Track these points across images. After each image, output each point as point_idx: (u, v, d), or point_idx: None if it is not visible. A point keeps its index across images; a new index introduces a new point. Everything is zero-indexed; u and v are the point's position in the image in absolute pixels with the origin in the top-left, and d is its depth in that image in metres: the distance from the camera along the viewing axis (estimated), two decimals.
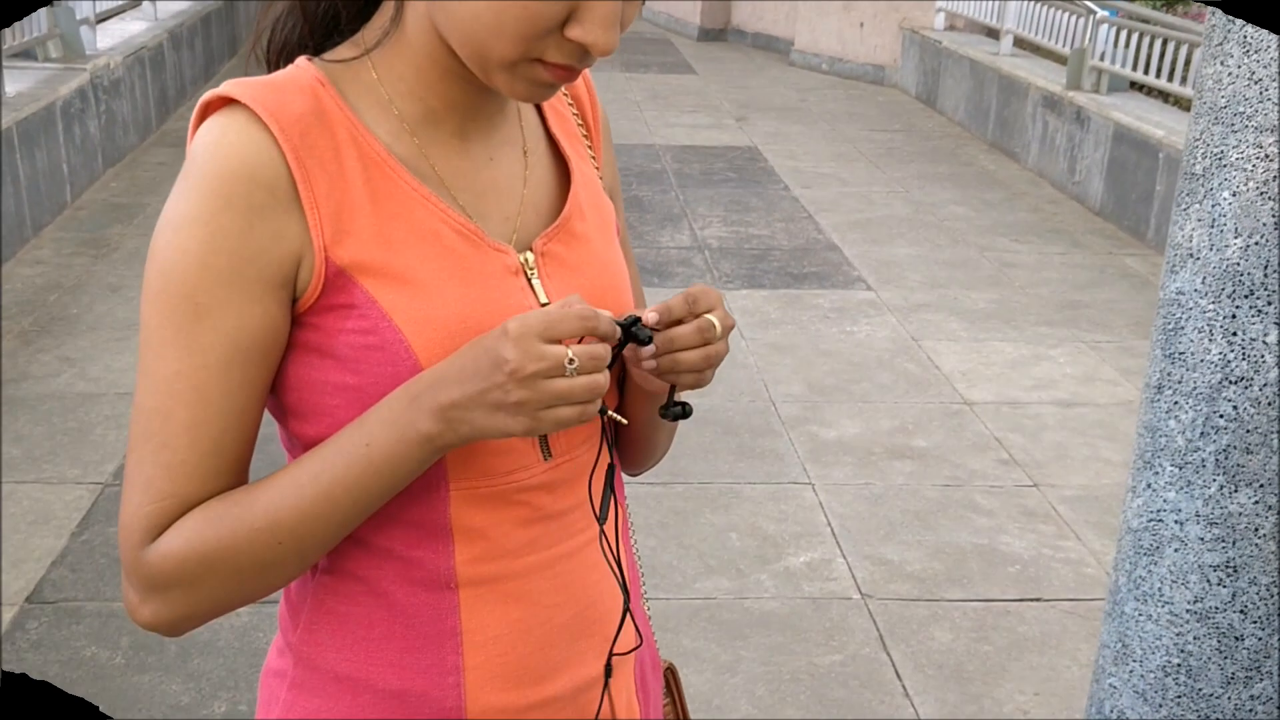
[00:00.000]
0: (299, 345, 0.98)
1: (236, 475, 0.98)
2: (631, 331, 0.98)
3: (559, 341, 0.90)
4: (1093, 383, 4.85)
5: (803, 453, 4.16)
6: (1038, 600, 3.37)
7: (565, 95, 1.16)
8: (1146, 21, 7.50)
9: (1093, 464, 4.17)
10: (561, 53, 0.92)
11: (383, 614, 1.03)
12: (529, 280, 1.03)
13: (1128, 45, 7.46)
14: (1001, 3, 9.41)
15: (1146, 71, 7.24)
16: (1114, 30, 7.65)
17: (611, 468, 1.08)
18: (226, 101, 0.96)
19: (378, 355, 0.95)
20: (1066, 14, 8.37)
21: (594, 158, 1.16)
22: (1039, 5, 8.90)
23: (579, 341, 0.91)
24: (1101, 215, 7.17)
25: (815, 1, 12.05)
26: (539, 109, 1.13)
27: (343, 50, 1.02)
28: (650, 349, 1.00)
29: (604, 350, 0.91)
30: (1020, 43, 9.38)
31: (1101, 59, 7.70)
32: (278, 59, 1.05)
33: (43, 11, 6.82)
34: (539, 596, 1.05)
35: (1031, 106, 8.28)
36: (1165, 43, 7.04)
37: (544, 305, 1.03)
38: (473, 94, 1.02)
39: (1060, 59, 8.53)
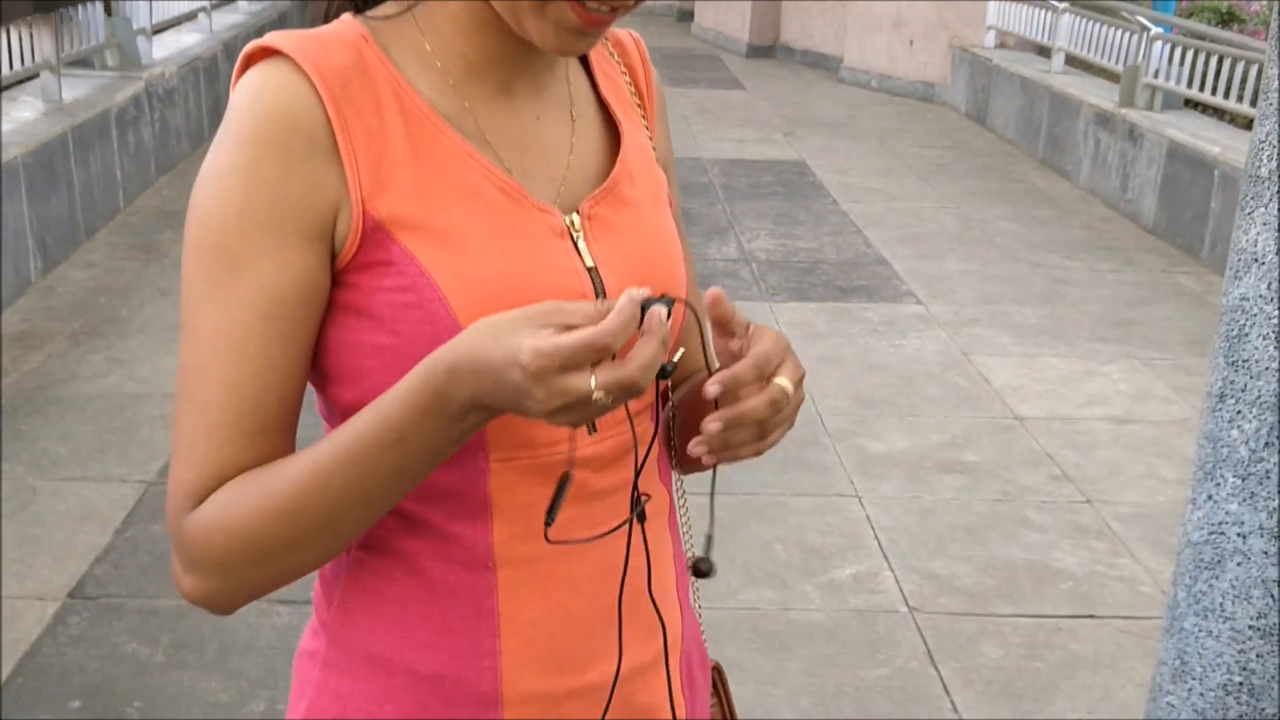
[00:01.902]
0: (337, 306, 0.95)
1: (277, 440, 0.94)
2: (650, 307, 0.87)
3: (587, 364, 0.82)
4: (1146, 400, 4.76)
5: (849, 465, 4.11)
6: (1091, 617, 3.30)
7: (619, 62, 1.13)
8: (1202, 38, 7.41)
9: (1147, 481, 4.09)
10: None
11: (419, 593, 1.00)
12: (574, 243, 1.00)
13: (1182, 62, 7.36)
14: (1053, 20, 9.34)
15: (1201, 89, 7.14)
16: (1168, 47, 7.56)
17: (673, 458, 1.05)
18: (269, 53, 0.94)
19: (415, 313, 0.92)
20: (1119, 31, 8.28)
21: (647, 126, 1.13)
22: (1091, 22, 8.81)
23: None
24: (1154, 233, 7.07)
25: (864, 19, 12.01)
26: (589, 73, 1.11)
27: (386, 7, 1.01)
28: (714, 423, 0.91)
29: (635, 379, 0.82)
30: (1072, 60, 9.30)
31: (1155, 76, 7.61)
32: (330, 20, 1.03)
33: (100, 21, 6.90)
34: (579, 580, 1.02)
35: (1083, 124, 8.19)
36: (1221, 60, 6.94)
37: (590, 269, 0.99)
38: (512, 48, 0.99)
39: (1113, 76, 8.44)
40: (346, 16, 1.00)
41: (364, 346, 0.94)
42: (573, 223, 1.00)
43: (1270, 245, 1.87)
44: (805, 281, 6.06)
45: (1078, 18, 9.05)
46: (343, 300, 0.95)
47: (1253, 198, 1.88)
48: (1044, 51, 9.79)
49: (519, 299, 0.93)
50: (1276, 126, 1.84)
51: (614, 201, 1.04)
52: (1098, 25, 8.70)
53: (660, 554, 1.09)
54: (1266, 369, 1.87)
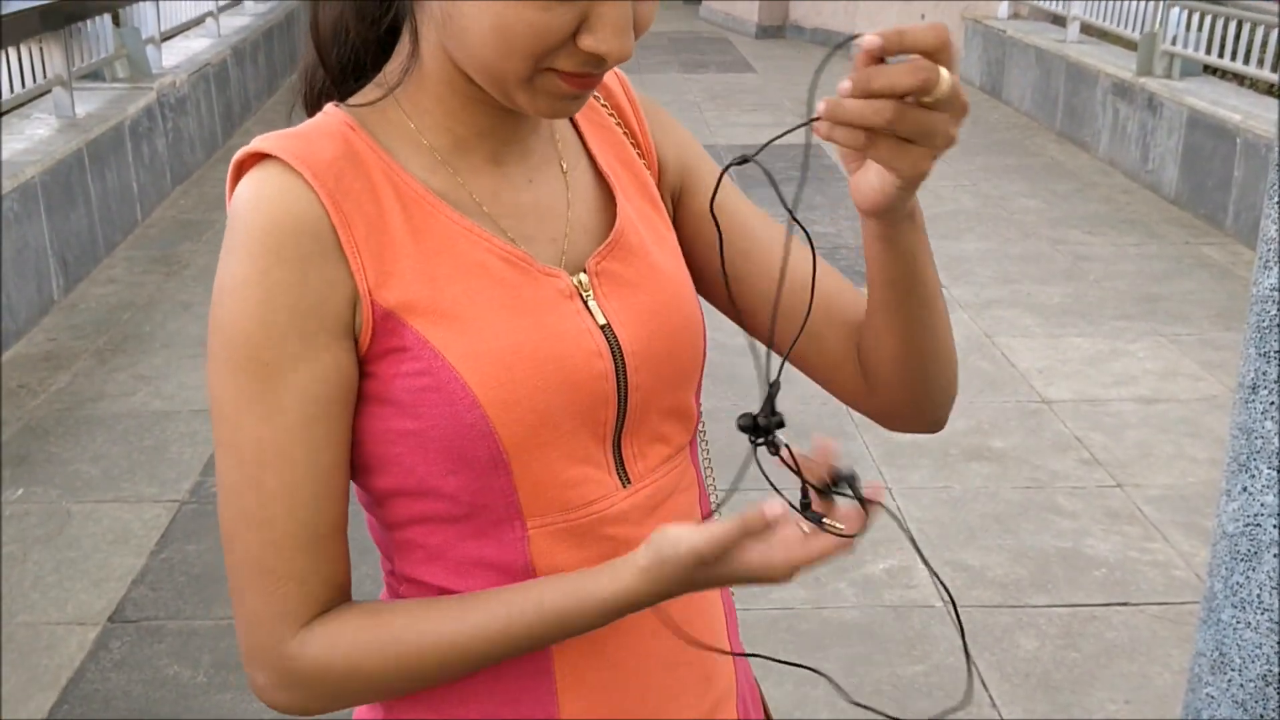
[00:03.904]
0: (361, 396, 0.96)
1: (336, 540, 0.96)
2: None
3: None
4: (1174, 378, 4.73)
5: (877, 455, 4.10)
6: (1125, 605, 3.29)
7: (605, 105, 1.12)
8: (1220, 3, 7.33)
9: (1178, 462, 4.07)
10: (575, 61, 0.89)
11: None
12: (584, 302, 1.00)
13: (1200, 28, 7.30)
14: None
15: (1220, 55, 7.07)
16: (1185, 13, 7.48)
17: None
18: (259, 158, 0.94)
19: (434, 396, 0.93)
20: None
21: (644, 160, 1.12)
22: None
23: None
24: (1177, 204, 7.01)
25: None
26: (575, 126, 1.10)
27: (368, 93, 1.00)
28: None
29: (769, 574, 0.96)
30: (1087, 29, 9.22)
31: (1173, 43, 7.54)
32: (315, 107, 1.03)
33: (109, 32, 6.91)
34: (633, 634, 1.02)
35: (1101, 94, 8.13)
36: (1240, 25, 6.88)
37: (602, 326, 0.99)
38: (498, 118, 0.99)
39: (1130, 45, 8.36)
40: (329, 107, 1.00)
41: (390, 433, 0.95)
42: (580, 282, 1.00)
43: None
44: None
45: None
46: (365, 390, 0.95)
47: (1279, 187, 1.86)
48: (1059, 21, 9.70)
49: (533, 368, 0.94)
50: None
51: (621, 254, 1.03)
52: None
53: (706, 599, 1.09)
54: None
